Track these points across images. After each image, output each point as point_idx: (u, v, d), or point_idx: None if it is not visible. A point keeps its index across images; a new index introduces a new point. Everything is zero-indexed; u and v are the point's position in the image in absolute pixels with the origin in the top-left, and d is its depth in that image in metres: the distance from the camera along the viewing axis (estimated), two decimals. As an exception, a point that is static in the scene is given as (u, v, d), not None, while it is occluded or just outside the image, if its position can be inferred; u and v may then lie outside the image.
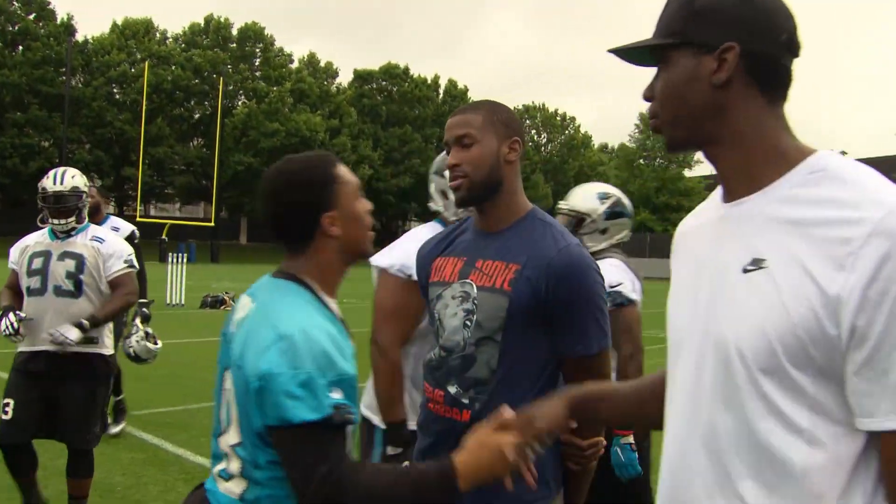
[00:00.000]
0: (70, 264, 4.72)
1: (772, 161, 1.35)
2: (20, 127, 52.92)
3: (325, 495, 1.74)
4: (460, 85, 72.67)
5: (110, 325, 4.96)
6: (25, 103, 53.50)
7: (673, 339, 1.48)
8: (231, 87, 61.06)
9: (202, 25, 63.53)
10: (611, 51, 1.48)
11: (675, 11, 1.41)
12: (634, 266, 3.92)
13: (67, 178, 4.87)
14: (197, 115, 63.18)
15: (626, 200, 3.92)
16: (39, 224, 4.96)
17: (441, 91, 72.42)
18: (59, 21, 56.33)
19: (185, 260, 20.14)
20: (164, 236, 42.66)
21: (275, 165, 2.03)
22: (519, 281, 2.15)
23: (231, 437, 1.92)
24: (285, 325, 1.82)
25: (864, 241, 1.16)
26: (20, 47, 54.81)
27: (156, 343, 5.82)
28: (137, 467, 5.95)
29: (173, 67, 59.07)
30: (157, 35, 62.56)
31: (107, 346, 4.86)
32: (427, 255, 2.48)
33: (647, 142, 66.09)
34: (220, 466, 1.96)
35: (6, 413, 4.54)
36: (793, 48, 1.37)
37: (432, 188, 3.36)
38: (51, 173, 4.91)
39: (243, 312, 1.97)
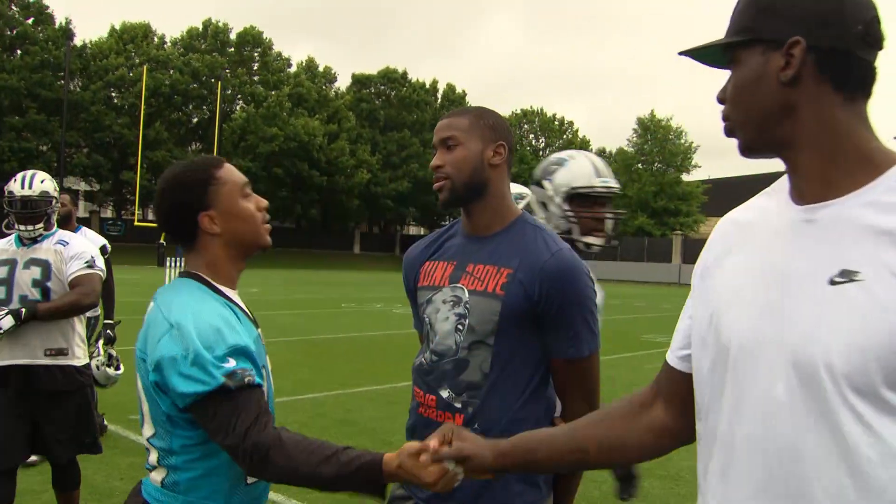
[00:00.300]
0: (36, 272, 4.47)
1: (854, 165, 1.25)
2: (18, 131, 52.83)
3: (249, 455, 1.83)
4: (458, 89, 72.67)
5: (81, 334, 4.70)
6: (24, 107, 53.41)
7: (733, 347, 1.33)
8: (229, 92, 61.01)
9: (200, 30, 63.48)
10: (682, 53, 1.43)
11: (744, 8, 1.34)
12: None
13: (37, 183, 4.60)
14: (195, 120, 63.09)
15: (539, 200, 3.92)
16: (5, 230, 4.73)
17: (439, 95, 72.38)
18: (57, 25, 56.24)
19: (182, 264, 20.10)
20: (162, 240, 42.60)
21: (166, 170, 2.14)
22: (512, 285, 2.17)
23: (147, 430, 2.03)
24: (175, 314, 1.95)
25: None
26: (18, 51, 54.73)
27: (118, 368, 5.54)
28: (136, 472, 5.96)
29: (171, 72, 59.03)
30: (156, 39, 62.51)
31: (77, 356, 4.60)
32: (415, 260, 2.49)
33: (645, 146, 66.06)
34: (147, 459, 2.08)
35: None
36: (871, 41, 1.26)
37: (531, 199, 3.27)
38: (19, 176, 4.64)
39: (147, 314, 2.08)
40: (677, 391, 1.58)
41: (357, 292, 30.42)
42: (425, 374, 2.31)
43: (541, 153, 78.42)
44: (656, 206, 62.92)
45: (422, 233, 78.97)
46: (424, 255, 2.46)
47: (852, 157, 1.25)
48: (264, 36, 64.25)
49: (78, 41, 57.50)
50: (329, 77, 69.07)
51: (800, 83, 1.26)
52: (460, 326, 2.23)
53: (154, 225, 48.91)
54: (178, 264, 19.43)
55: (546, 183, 3.08)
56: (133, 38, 59.90)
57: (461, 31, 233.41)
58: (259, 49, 64.45)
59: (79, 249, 4.58)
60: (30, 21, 55.22)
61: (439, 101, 71.64)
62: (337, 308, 22.11)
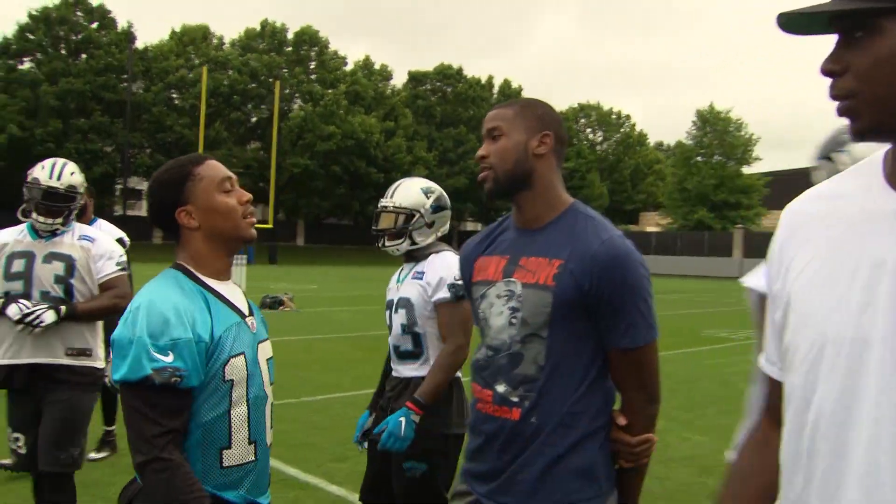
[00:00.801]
0: (58, 267, 4.13)
1: None
2: (84, 133, 54.04)
3: (143, 456, 1.93)
4: (514, 84, 72.43)
5: (101, 336, 4.38)
6: (89, 110, 54.64)
7: (830, 345, 1.21)
8: (287, 91, 61.60)
9: (258, 30, 64.19)
10: (783, 14, 1.20)
11: None
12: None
13: (66, 174, 4.25)
14: (254, 119, 63.84)
15: (443, 193, 3.90)
16: (20, 217, 4.32)
17: (495, 91, 72.19)
18: (119, 29, 57.40)
19: (244, 262, 20.37)
20: (222, 238, 43.10)
21: None
22: (563, 275, 2.16)
23: None
24: (137, 300, 2.06)
25: None
26: (83, 55, 56.01)
27: None
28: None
29: (230, 72, 59.81)
30: (215, 41, 63.41)
31: (99, 357, 4.31)
32: (469, 255, 2.48)
33: (704, 139, 65.06)
34: None
35: (20, 448, 4.12)
36: None
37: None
38: (47, 163, 4.28)
39: None
40: None
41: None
42: (482, 370, 2.32)
43: (598, 147, 77.81)
44: (716, 200, 61.93)
45: (479, 228, 78.79)
46: (478, 250, 2.46)
47: None
48: (321, 35, 64.72)
49: (140, 44, 58.63)
50: (385, 74, 69.31)
51: None
52: (514, 320, 2.22)
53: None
54: (239, 262, 19.69)
55: (841, 156, 2.94)
56: (193, 40, 60.86)
57: (516, 26, 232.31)
58: (316, 48, 64.94)
59: (107, 248, 4.32)
60: (94, 26, 56.46)
61: (495, 96, 71.42)
62: (395, 304, 22.17)
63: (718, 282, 43.42)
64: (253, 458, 2.16)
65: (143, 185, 62.54)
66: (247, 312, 2.24)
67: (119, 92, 54.26)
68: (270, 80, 58.83)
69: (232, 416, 2.10)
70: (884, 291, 1.15)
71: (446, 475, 3.51)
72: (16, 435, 4.13)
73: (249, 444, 2.15)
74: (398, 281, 3.79)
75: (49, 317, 3.96)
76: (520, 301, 2.22)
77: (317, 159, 58.38)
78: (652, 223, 71.54)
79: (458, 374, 3.56)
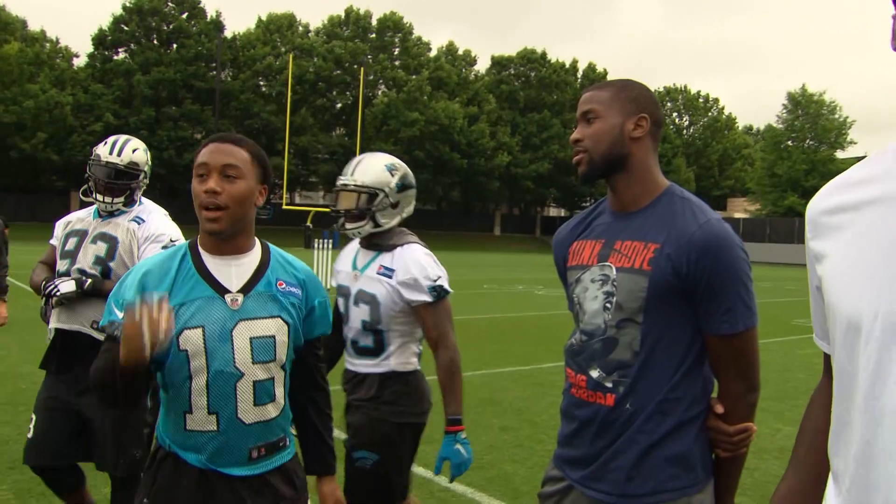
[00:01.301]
0: (101, 248, 3.87)
1: None
2: (175, 121, 55.54)
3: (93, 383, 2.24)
4: (599, 68, 71.62)
5: None
6: (179, 98, 56.11)
7: (865, 323, 1.22)
8: (371, 77, 62.11)
9: (342, 17, 64.83)
10: None
11: None
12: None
13: (127, 151, 3.98)
14: (339, 105, 64.60)
15: (408, 169, 3.60)
16: (82, 197, 4.03)
17: (579, 75, 71.54)
18: (208, 19, 58.69)
19: (330, 245, 20.63)
20: (308, 223, 43.86)
21: None
22: (659, 259, 2.12)
23: None
24: None
25: None
26: (174, 45, 57.49)
27: None
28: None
29: (316, 59, 60.60)
30: (300, 28, 64.29)
31: None
32: (564, 240, 2.45)
33: (796, 122, 63.32)
34: None
35: (29, 430, 3.86)
36: None
37: None
38: (109, 140, 4.04)
39: None
40: None
41: (498, 274, 30.53)
42: (576, 355, 2.29)
43: (684, 131, 76.45)
44: (808, 185, 60.28)
45: (562, 214, 78.39)
46: (573, 234, 2.42)
47: None
48: (404, 21, 65.02)
49: (228, 33, 59.85)
50: (469, 60, 69.31)
51: None
52: (608, 304, 2.19)
53: (301, 209, 50.57)
54: (325, 246, 20.00)
55: None
56: (279, 28, 61.84)
57: (600, 9, 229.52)
58: (399, 34, 65.28)
59: (156, 230, 3.93)
60: (184, 16, 57.84)
61: (579, 80, 70.81)
62: (479, 289, 22.24)
63: (805, 270, 42.13)
64: (214, 428, 2.22)
65: (232, 172, 63.82)
66: (234, 290, 2.26)
67: (208, 80, 55.54)
68: (355, 66, 59.44)
69: (192, 385, 2.20)
70: None
71: (399, 466, 3.36)
72: (32, 416, 3.87)
73: (210, 414, 2.22)
74: (356, 268, 3.45)
75: (67, 286, 3.72)
76: (614, 285, 2.19)
77: (401, 145, 58.76)
78: (740, 209, 70.07)
79: (418, 365, 3.44)
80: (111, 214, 3.96)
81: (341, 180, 3.46)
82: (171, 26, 57.60)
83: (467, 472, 5.63)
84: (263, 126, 58.66)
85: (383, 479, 3.31)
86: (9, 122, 48.61)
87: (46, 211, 52.83)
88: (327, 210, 55.05)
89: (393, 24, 64.65)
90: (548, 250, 59.70)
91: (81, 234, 3.93)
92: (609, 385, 2.19)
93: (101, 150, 3.96)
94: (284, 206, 50.48)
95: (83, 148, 51.76)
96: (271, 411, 2.30)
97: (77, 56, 58.49)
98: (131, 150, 3.99)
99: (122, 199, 3.94)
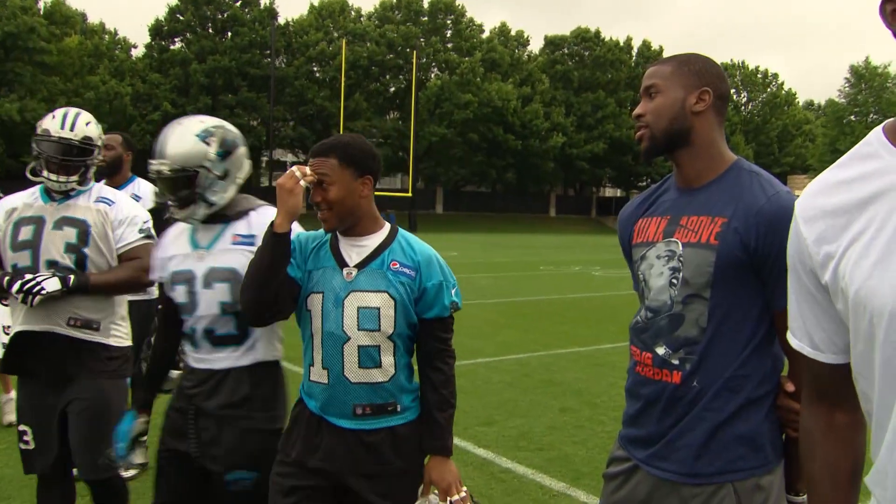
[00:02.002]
0: (70, 234, 3.47)
1: None
2: (231, 108, 56.11)
3: None
4: (654, 46, 70.66)
5: (122, 313, 3.68)
6: (235, 86, 56.71)
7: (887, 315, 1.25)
8: (424, 61, 62.10)
9: (394, 1, 64.81)
10: None
11: None
12: None
13: (80, 124, 3.57)
14: (392, 89, 64.72)
15: (228, 126, 3.08)
16: (29, 177, 3.57)
17: (634, 53, 70.68)
18: (262, 6, 59.14)
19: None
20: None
21: None
22: (726, 234, 2.08)
23: None
24: None
25: None
26: (229, 33, 58.08)
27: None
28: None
29: (368, 44, 60.72)
30: (352, 13, 64.44)
31: (114, 334, 3.59)
32: (629, 217, 2.41)
33: (859, 97, 61.78)
34: None
35: (26, 443, 3.54)
36: None
37: None
38: (58, 113, 3.60)
39: None
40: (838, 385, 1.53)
41: (554, 255, 30.43)
42: (641, 332, 2.25)
43: (742, 108, 75.15)
44: (872, 160, 58.88)
45: (618, 195, 77.74)
46: (638, 212, 2.39)
47: None
48: (456, 3, 64.80)
49: (281, 20, 60.26)
50: (522, 41, 68.90)
51: None
52: (674, 280, 2.15)
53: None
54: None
55: None
56: (331, 14, 62.05)
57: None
58: (452, 16, 65.09)
59: (129, 212, 3.62)
60: (238, 4, 58.36)
61: (634, 59, 69.97)
62: (535, 271, 22.21)
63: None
64: (325, 381, 2.58)
65: (288, 157, 64.53)
66: (352, 264, 2.61)
67: (263, 67, 56.03)
68: (407, 50, 59.45)
69: (314, 342, 2.60)
70: None
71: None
72: (23, 427, 3.55)
73: (323, 368, 2.59)
74: (199, 246, 2.99)
75: (52, 284, 3.31)
76: (681, 261, 2.15)
77: (454, 127, 58.76)
78: (801, 187, 67.99)
79: (279, 358, 3.05)
80: (67, 196, 3.54)
81: (152, 166, 2.94)
82: (225, 15, 58.18)
83: (528, 454, 5.66)
84: (318, 112, 59.06)
85: (261, 498, 2.80)
86: (71, 114, 49.65)
87: (109, 200, 54.07)
88: (382, 193, 55.44)
89: (445, 7, 64.46)
90: (604, 231, 59.36)
91: (38, 221, 3.48)
92: (675, 362, 2.15)
93: (50, 125, 3.52)
94: (340, 191, 50.75)
95: (143, 137, 52.64)
96: (376, 376, 2.57)
97: (135, 47, 59.47)
98: (84, 122, 3.59)
99: (76, 177, 3.52)
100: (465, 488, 2.61)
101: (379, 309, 2.55)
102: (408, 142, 52.10)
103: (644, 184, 69.28)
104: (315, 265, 2.65)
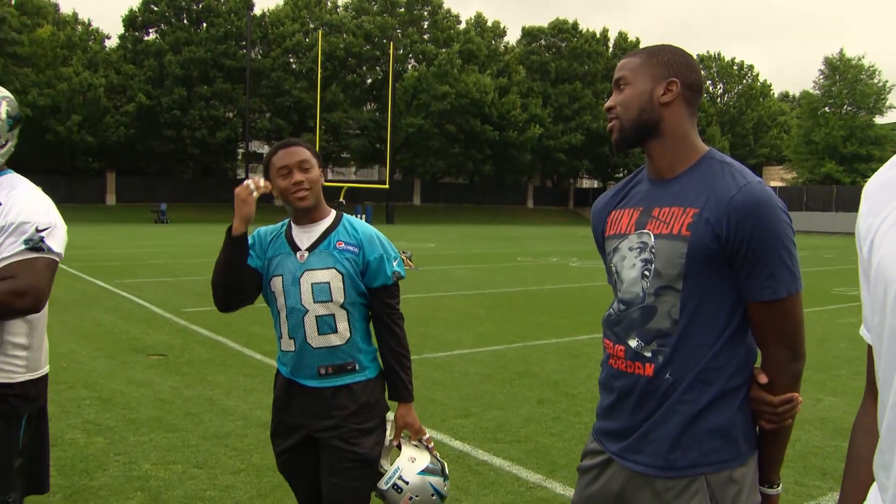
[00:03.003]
0: None
1: None
2: (206, 100, 55.79)
3: None
4: (631, 37, 70.83)
5: (18, 341, 2.83)
6: (210, 77, 56.32)
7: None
8: (401, 52, 61.96)
9: (372, -8, 64.61)
10: None
11: None
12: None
13: None
14: (369, 81, 64.56)
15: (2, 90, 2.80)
16: None
17: (611, 45, 70.85)
18: (238, -4, 58.77)
19: (363, 221, 20.71)
20: (342, 199, 43.99)
21: None
22: (698, 224, 2.06)
23: None
24: None
25: None
26: (204, 24, 57.65)
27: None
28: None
29: (345, 35, 60.50)
30: (329, 4, 64.17)
31: (8, 366, 2.81)
32: (602, 210, 2.41)
33: (833, 88, 62.21)
34: None
35: None
36: None
37: None
38: None
39: None
40: None
41: (532, 246, 30.47)
42: (614, 325, 2.24)
43: (718, 99, 75.50)
44: (846, 152, 59.39)
45: (595, 186, 77.94)
46: (611, 204, 2.38)
47: None
48: (434, -6, 64.66)
49: (257, 11, 59.94)
50: (498, 31, 68.84)
51: None
52: (646, 272, 2.14)
53: (333, 185, 50.79)
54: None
55: None
56: (307, 5, 61.75)
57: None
58: (429, 7, 64.95)
59: (17, 216, 2.73)
60: (213, -6, 57.88)
61: (611, 50, 70.13)
62: (513, 262, 22.22)
63: (848, 238, 41.72)
64: (293, 349, 3.01)
65: (264, 149, 64.19)
66: (304, 248, 3.03)
67: (239, 59, 55.70)
68: (384, 41, 59.29)
69: (280, 316, 3.03)
70: None
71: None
72: None
73: (290, 338, 3.01)
74: None
75: None
76: (653, 252, 2.13)
77: (432, 119, 58.66)
78: (776, 178, 69.19)
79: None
80: None
81: None
82: (200, 5, 57.74)
83: (505, 446, 5.67)
84: (294, 103, 58.81)
85: None
86: (44, 106, 49.16)
87: (83, 192, 53.56)
88: (359, 185, 55.35)
89: (422, -2, 64.29)
90: (581, 222, 59.57)
91: None
92: (648, 355, 2.14)
93: None
94: (317, 183, 50.58)
95: (117, 129, 52.27)
96: (334, 340, 2.99)
97: (108, 38, 58.92)
98: None
99: None
100: (428, 435, 3.15)
101: (329, 283, 2.98)
102: (385, 133, 51.99)
103: (621, 175, 69.52)
104: (274, 253, 3.07)
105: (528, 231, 46.31)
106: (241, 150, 60.85)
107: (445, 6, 65.64)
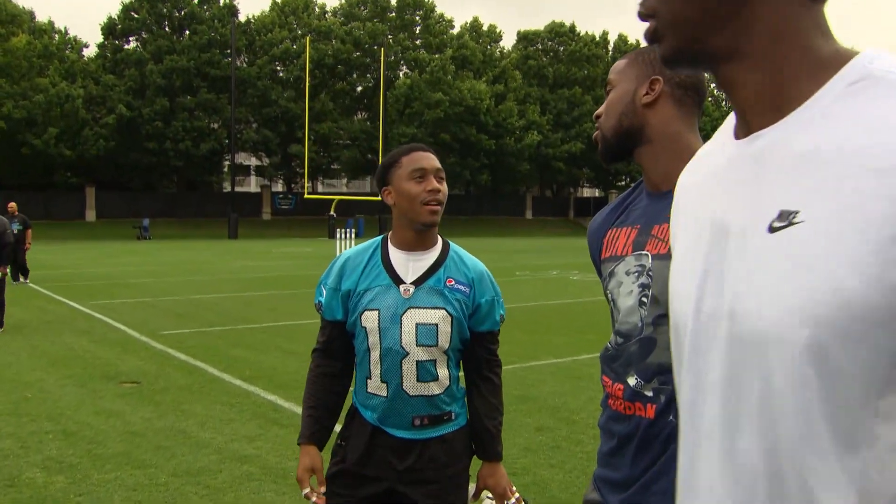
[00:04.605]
0: None
1: (805, 74, 0.98)
2: (190, 110, 55.78)
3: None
4: (632, 40, 70.98)
5: None
6: (194, 87, 56.31)
7: (679, 327, 1.12)
8: (392, 59, 62.05)
9: (361, -4, 64.74)
10: None
11: None
12: None
13: None
14: (359, 89, 64.62)
15: None
16: None
17: (610, 48, 71.01)
18: (221, 3, 58.81)
19: (353, 235, 20.60)
20: (332, 212, 43.87)
21: None
22: None
23: None
24: None
25: None
26: (187, 32, 57.70)
27: None
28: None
29: (334, 42, 60.61)
30: (317, 10, 64.32)
31: None
32: (598, 229, 2.23)
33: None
34: None
35: None
36: None
37: None
38: None
39: None
40: None
41: (531, 259, 30.35)
42: (612, 360, 2.06)
43: (723, 104, 75.69)
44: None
45: (596, 195, 77.95)
46: (608, 222, 2.20)
47: (804, 66, 0.98)
48: (426, -2, 64.83)
49: (242, 17, 60.05)
50: (494, 36, 69.02)
51: None
52: (644, 299, 1.96)
53: (324, 197, 50.74)
54: (348, 235, 19.95)
55: None
56: (294, 11, 61.91)
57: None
58: (420, 12, 65.08)
59: None
60: (196, 1, 57.96)
61: (610, 54, 70.30)
62: (511, 276, 22.04)
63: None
64: (385, 394, 2.75)
65: (251, 161, 64.17)
66: (408, 280, 2.77)
67: (223, 67, 55.70)
68: (375, 47, 59.36)
69: (371, 356, 2.76)
70: (711, 257, 1.04)
71: None
72: None
73: (382, 382, 2.76)
74: None
75: None
76: (650, 276, 1.96)
77: (425, 128, 58.67)
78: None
79: None
80: None
81: None
82: (182, 12, 57.80)
83: (500, 478, 5.47)
84: (282, 113, 58.81)
85: None
86: (19, 118, 49.00)
87: (61, 209, 53.35)
88: (350, 198, 55.28)
89: (413, 2, 64.42)
90: (582, 233, 59.35)
91: None
92: (649, 394, 1.95)
93: None
94: (307, 196, 50.66)
95: (96, 142, 52.13)
96: (434, 388, 2.77)
97: (87, 47, 58.98)
98: None
99: None
100: (516, 491, 2.91)
101: (437, 325, 2.74)
102: (376, 143, 51.95)
103: (624, 184, 69.58)
104: (369, 284, 2.80)
105: (527, 243, 46.23)
106: (226, 163, 60.72)
107: (438, 10, 65.80)
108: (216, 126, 58.25)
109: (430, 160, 2.80)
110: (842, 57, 0.98)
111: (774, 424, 0.92)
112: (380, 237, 2.93)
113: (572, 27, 69.44)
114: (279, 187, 67.06)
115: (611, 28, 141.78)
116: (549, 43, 69.94)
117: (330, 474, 2.89)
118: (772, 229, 0.95)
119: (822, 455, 0.88)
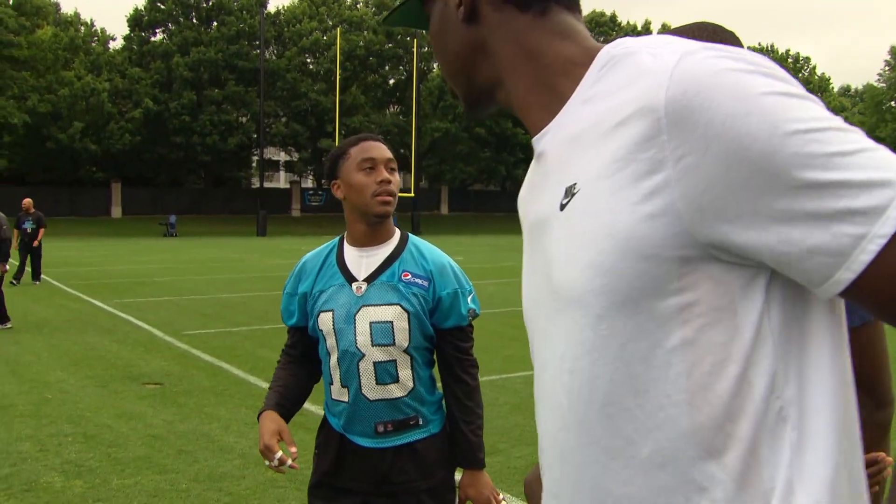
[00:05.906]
0: None
1: (560, 75, 1.19)
2: (218, 104, 56.08)
3: None
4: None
5: None
6: (222, 79, 56.62)
7: (526, 320, 1.28)
8: (426, 50, 61.95)
9: (394, -15, 64.78)
10: (384, 22, 1.47)
11: None
12: None
13: None
14: (392, 81, 64.64)
15: None
16: None
17: (653, 38, 70.59)
18: (250, -8, 59.08)
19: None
20: (362, 210, 43.81)
21: None
22: None
23: None
24: None
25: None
26: (214, 23, 58.01)
27: None
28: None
29: (365, 32, 60.63)
30: (348, 0, 64.38)
31: None
32: None
33: (900, 80, 61.38)
34: None
35: None
36: None
37: None
38: None
39: None
40: None
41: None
42: None
43: (772, 95, 74.86)
44: (914, 149, 58.48)
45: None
46: None
47: (558, 70, 1.20)
48: (460, -14, 64.68)
49: (271, 7, 60.32)
50: (531, 26, 68.75)
51: (479, 18, 1.24)
52: None
53: (354, 194, 50.76)
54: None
55: None
56: (325, 1, 61.93)
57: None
58: (455, 1, 64.92)
59: None
60: (224, -10, 58.22)
61: (654, 44, 69.85)
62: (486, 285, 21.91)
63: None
64: (346, 399, 2.70)
65: (280, 156, 64.38)
66: (360, 277, 2.72)
67: (252, 59, 55.93)
68: (408, 38, 59.30)
69: (331, 360, 2.73)
70: (529, 252, 1.25)
71: None
72: None
73: (342, 387, 2.71)
74: None
75: None
76: None
77: (459, 122, 58.54)
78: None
79: None
80: None
81: None
82: (210, 3, 58.14)
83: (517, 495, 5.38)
84: (312, 107, 58.93)
85: None
86: (44, 112, 49.54)
87: (86, 204, 53.88)
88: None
89: (447, -9, 64.26)
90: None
91: None
92: None
93: None
94: (336, 192, 50.62)
95: (122, 136, 52.58)
96: (395, 391, 2.68)
97: (113, 39, 59.58)
98: None
99: None
100: (502, 496, 2.79)
101: (392, 323, 2.67)
102: (409, 138, 51.91)
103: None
104: (323, 285, 2.77)
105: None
106: (255, 158, 60.99)
107: (473, -1, 65.58)
108: (244, 120, 58.52)
109: (380, 150, 2.77)
110: (592, 51, 1.18)
111: (593, 364, 1.05)
112: (339, 237, 2.90)
113: (613, 16, 69.06)
114: (309, 183, 67.29)
115: (654, 17, 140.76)
116: (589, 32, 69.41)
117: (309, 486, 2.89)
118: (562, 207, 1.11)
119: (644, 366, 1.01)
